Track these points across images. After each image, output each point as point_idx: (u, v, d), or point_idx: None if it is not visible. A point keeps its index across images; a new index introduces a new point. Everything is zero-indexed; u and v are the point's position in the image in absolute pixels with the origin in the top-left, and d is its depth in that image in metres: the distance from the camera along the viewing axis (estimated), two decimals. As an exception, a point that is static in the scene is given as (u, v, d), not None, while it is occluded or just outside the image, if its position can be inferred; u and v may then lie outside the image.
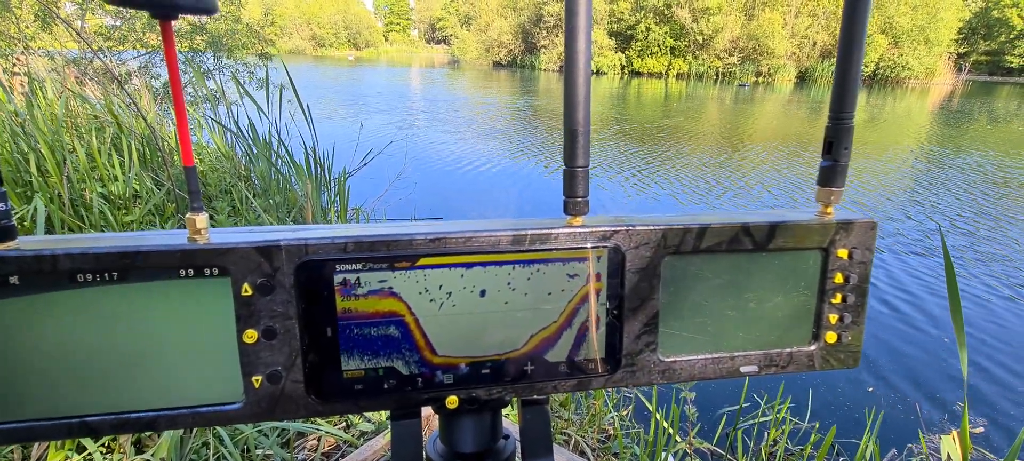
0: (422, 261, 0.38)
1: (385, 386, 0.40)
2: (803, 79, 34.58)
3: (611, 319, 0.42)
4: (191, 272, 0.36)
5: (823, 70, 33.95)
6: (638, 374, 0.44)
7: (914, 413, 2.93)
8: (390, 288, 0.38)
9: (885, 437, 2.70)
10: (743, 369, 0.45)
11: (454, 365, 0.41)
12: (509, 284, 0.40)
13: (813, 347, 0.46)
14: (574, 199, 0.40)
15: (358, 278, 0.38)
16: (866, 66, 34.52)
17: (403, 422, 0.42)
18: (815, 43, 34.99)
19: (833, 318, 0.45)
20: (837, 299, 0.45)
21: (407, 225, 0.40)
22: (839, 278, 0.45)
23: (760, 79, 33.89)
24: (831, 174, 0.43)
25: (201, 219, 0.36)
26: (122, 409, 0.37)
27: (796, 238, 0.43)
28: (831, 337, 0.46)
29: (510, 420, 1.59)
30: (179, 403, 0.38)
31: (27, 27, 5.90)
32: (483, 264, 0.39)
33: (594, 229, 0.40)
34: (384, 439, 1.89)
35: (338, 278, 0.38)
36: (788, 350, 0.46)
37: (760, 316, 0.45)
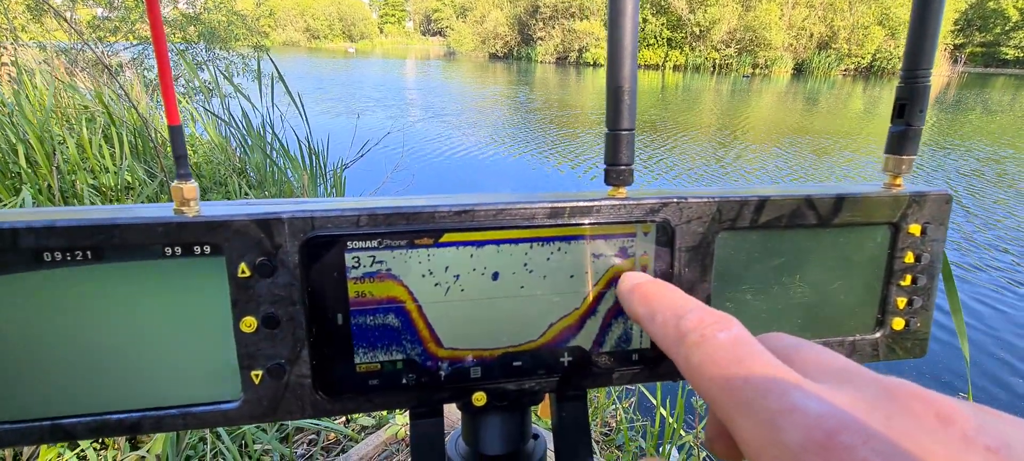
0: (447, 237, 0.33)
1: (404, 381, 0.35)
2: (800, 71, 34.53)
3: None
4: (178, 250, 0.31)
5: (820, 62, 33.91)
6: None
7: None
8: (405, 270, 0.33)
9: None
10: None
11: (480, 358, 0.36)
12: (526, 266, 0.35)
13: (878, 334, 0.41)
14: (618, 167, 0.35)
15: (374, 257, 0.33)
16: (862, 58, 34.55)
17: (424, 421, 0.37)
18: (812, 34, 34.93)
19: (901, 302, 0.41)
20: (906, 281, 0.40)
21: (427, 197, 0.35)
22: (909, 257, 0.40)
23: (757, 71, 33.84)
24: (903, 140, 0.38)
25: (189, 188, 0.31)
26: (101, 410, 0.32)
27: (863, 212, 0.39)
28: (898, 323, 0.41)
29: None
30: (166, 402, 0.33)
31: (16, 18, 5.79)
32: (497, 242, 0.34)
33: (640, 202, 0.35)
34: (385, 434, 1.85)
35: (350, 257, 0.32)
36: (850, 338, 0.41)
37: (820, 300, 0.40)
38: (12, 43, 5.25)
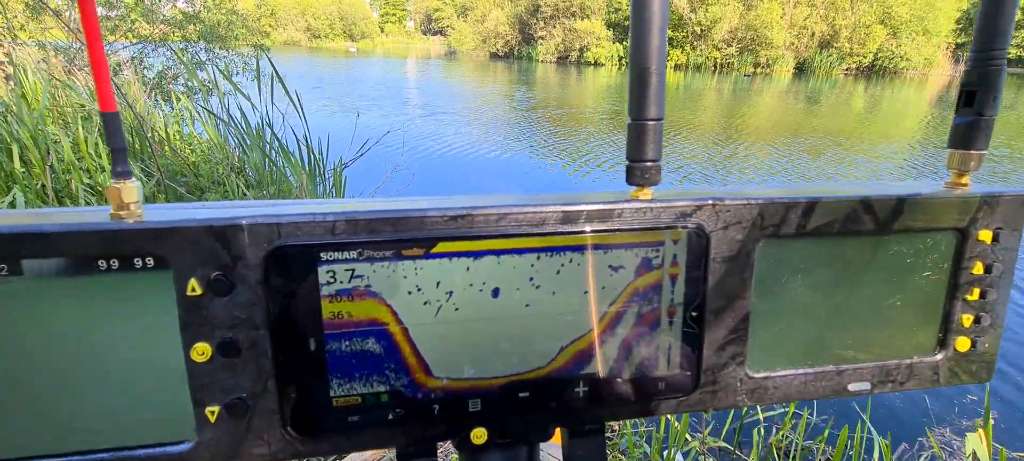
0: (440, 247, 0.28)
1: (390, 417, 0.30)
2: (801, 70, 34.44)
3: (689, 323, 0.32)
4: (115, 263, 0.25)
5: (821, 61, 33.80)
6: (720, 395, 0.33)
7: (923, 404, 2.85)
8: (388, 286, 0.28)
9: (893, 430, 2.62)
10: (852, 387, 0.35)
11: (479, 389, 0.30)
12: (532, 280, 0.29)
13: (939, 356, 0.36)
14: (642, 164, 0.30)
15: (352, 270, 0.27)
16: (863, 58, 34.45)
17: None
18: (813, 33, 34.83)
19: (966, 319, 0.35)
20: (973, 295, 0.35)
21: (416, 200, 0.30)
22: (978, 268, 0.34)
23: (758, 70, 33.76)
24: (971, 133, 0.33)
25: (128, 188, 0.25)
26: (26, 454, 0.27)
27: (927, 216, 0.33)
28: (963, 344, 0.36)
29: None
30: (103, 444, 0.27)
31: (15, 17, 5.75)
32: (497, 252, 0.29)
33: (670, 204, 0.30)
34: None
35: (324, 271, 0.27)
36: (908, 361, 0.36)
37: (875, 318, 0.35)
38: (9, 41, 5.21)
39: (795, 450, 2.19)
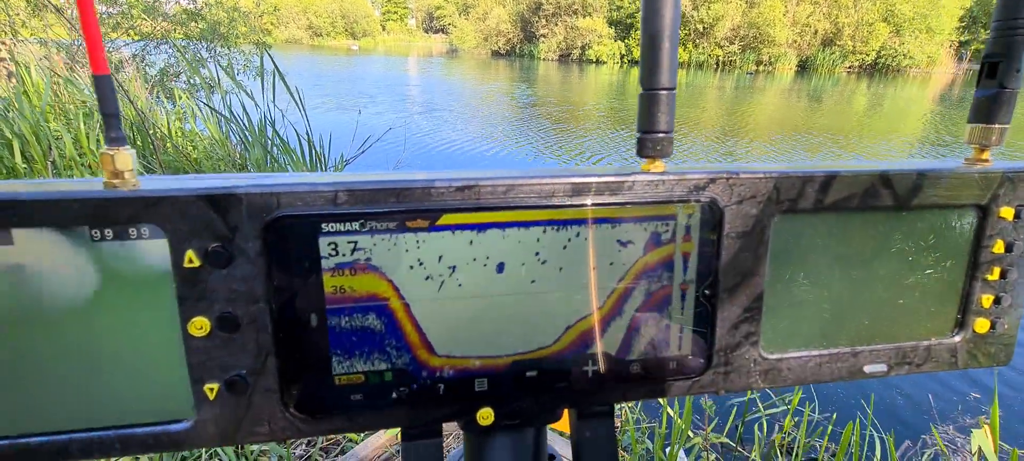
0: (445, 218, 0.27)
1: (393, 396, 0.29)
2: (804, 68, 34.39)
3: (701, 301, 0.31)
4: (110, 233, 0.25)
5: (824, 59, 33.76)
6: (733, 376, 0.32)
7: (926, 402, 2.84)
8: (389, 260, 0.27)
9: (896, 427, 2.61)
10: (868, 368, 0.34)
11: (485, 368, 0.30)
12: (538, 255, 0.28)
13: (957, 338, 0.35)
14: (654, 135, 0.29)
15: (354, 243, 0.26)
16: (866, 55, 34.40)
17: (419, 443, 0.31)
18: (816, 31, 34.75)
19: (986, 300, 0.34)
20: (994, 274, 0.34)
21: (420, 173, 0.29)
22: (999, 247, 0.33)
23: (761, 68, 33.71)
24: (993, 106, 0.32)
25: (123, 156, 0.24)
26: (18, 432, 0.26)
27: (946, 192, 0.32)
28: (982, 325, 0.35)
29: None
30: (100, 422, 0.27)
31: (16, 14, 5.77)
32: (501, 225, 0.28)
33: (683, 177, 0.29)
34: (387, 434, 1.79)
35: (326, 242, 0.26)
36: (925, 343, 0.35)
37: (891, 297, 0.34)
38: (11, 38, 5.22)
39: (798, 447, 2.18)
